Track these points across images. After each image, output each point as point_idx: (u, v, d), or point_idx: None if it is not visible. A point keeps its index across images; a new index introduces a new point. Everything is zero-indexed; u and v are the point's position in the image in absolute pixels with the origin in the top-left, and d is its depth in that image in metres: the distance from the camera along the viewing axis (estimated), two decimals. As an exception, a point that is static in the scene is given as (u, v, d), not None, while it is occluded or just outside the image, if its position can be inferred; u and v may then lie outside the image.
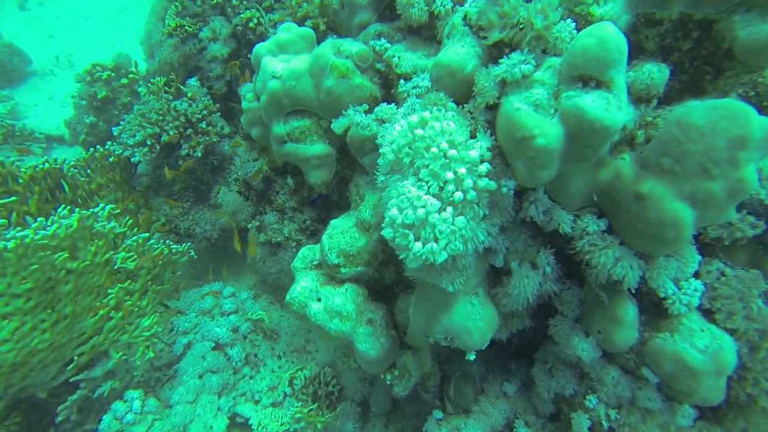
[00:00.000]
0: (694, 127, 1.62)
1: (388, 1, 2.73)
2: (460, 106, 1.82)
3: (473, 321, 2.04)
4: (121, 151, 3.82)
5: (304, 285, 2.50)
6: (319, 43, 2.96)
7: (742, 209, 1.91)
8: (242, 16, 3.89)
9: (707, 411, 2.14)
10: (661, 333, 2.00)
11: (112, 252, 3.08)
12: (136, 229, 3.57)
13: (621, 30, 1.73)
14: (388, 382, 2.57)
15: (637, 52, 1.89)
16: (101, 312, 3.11)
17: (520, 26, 1.63)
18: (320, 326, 2.42)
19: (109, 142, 3.88)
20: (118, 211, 3.63)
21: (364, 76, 2.48)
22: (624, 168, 1.82)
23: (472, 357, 2.18)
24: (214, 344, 3.99)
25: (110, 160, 3.87)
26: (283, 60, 2.56)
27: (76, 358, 3.00)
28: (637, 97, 1.79)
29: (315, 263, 2.64)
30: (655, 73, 1.74)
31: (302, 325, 4.27)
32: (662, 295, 1.96)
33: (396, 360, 2.57)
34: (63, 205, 3.12)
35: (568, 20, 1.64)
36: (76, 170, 3.86)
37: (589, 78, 1.54)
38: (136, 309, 3.34)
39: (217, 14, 4.18)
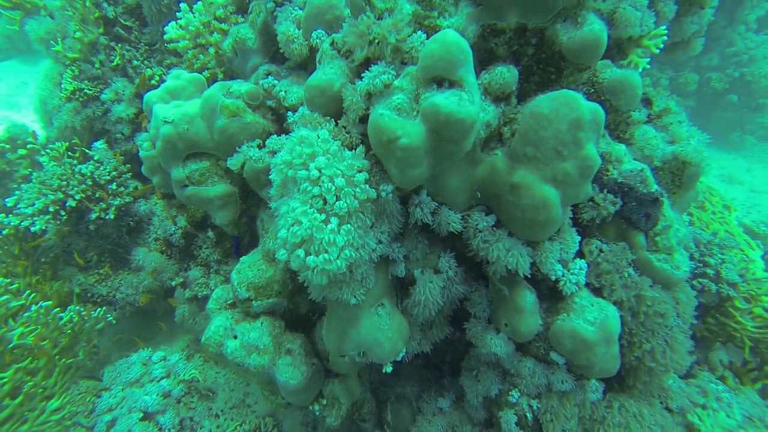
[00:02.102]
0: (543, 116, 1.80)
1: (277, 45, 2.86)
2: (336, 123, 1.92)
3: (382, 332, 2.05)
4: (17, 222, 3.60)
5: (218, 324, 2.42)
6: (213, 89, 3.03)
7: (603, 189, 2.11)
8: (144, 72, 3.91)
9: (614, 383, 2.25)
10: (560, 315, 2.11)
11: (4, 329, 2.82)
12: (42, 302, 3.32)
13: (470, 39, 1.95)
14: (318, 414, 2.48)
15: (492, 59, 2.10)
16: (-11, 402, 2.77)
17: (377, 42, 1.78)
18: (239, 364, 2.33)
19: (1, 215, 3.65)
20: (16, 285, 3.38)
21: (256, 113, 2.56)
22: (497, 162, 1.97)
23: (389, 369, 2.18)
24: (142, 414, 3.69)
25: (3, 233, 3.63)
26: (175, 105, 2.59)
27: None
28: (495, 96, 1.98)
29: (229, 302, 2.57)
30: (506, 73, 1.93)
31: (240, 378, 4.07)
32: (553, 278, 2.08)
33: (323, 389, 2.50)
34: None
35: (419, 32, 1.81)
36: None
37: (441, 79, 1.69)
38: (41, 390, 3.04)
39: (119, 75, 4.17)
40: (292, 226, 1.74)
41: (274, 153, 2.35)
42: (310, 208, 1.75)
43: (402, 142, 1.63)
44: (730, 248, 3.65)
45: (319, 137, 1.79)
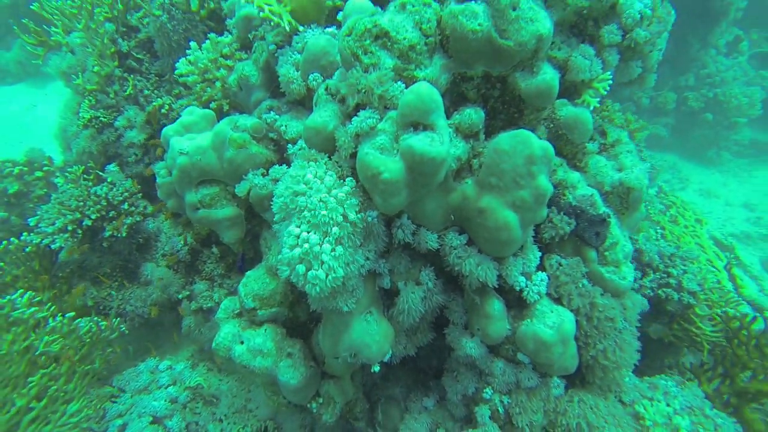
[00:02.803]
0: (503, 151, 2.15)
1: (278, 81, 3.23)
2: (329, 158, 2.26)
3: (370, 336, 2.37)
4: (39, 240, 3.92)
5: (227, 331, 2.73)
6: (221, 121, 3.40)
7: (560, 212, 2.45)
8: (154, 104, 4.26)
9: (576, 381, 2.57)
10: (524, 320, 2.43)
11: (33, 338, 3.12)
12: (60, 315, 3.62)
13: (443, 85, 2.30)
14: (314, 411, 2.79)
15: (464, 100, 2.45)
16: (19, 403, 3.06)
17: (364, 92, 2.13)
18: (245, 366, 2.64)
19: (24, 233, 3.97)
20: (39, 298, 3.68)
21: (260, 145, 2.90)
22: (468, 190, 2.31)
23: (377, 369, 2.49)
24: (151, 419, 3.97)
25: (27, 250, 3.94)
26: (189, 138, 2.93)
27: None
28: (465, 134, 2.33)
29: (236, 312, 2.88)
30: (473, 114, 2.29)
31: (241, 385, 4.35)
32: (518, 288, 2.41)
33: (319, 389, 2.81)
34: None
35: (399, 82, 2.16)
36: (-11, 265, 3.90)
37: (417, 123, 2.04)
38: (62, 394, 3.33)
39: (131, 104, 4.52)
40: (294, 247, 2.07)
41: (276, 180, 2.69)
42: (308, 232, 2.08)
43: (384, 177, 1.98)
44: (691, 260, 3.99)
45: (316, 171, 2.13)
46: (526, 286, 2.42)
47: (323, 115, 2.25)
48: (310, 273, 2.08)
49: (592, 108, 2.54)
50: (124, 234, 4.20)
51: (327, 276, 2.08)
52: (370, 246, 2.27)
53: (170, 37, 4.16)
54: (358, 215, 2.12)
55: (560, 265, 2.48)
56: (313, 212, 2.07)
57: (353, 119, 2.14)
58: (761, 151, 8.56)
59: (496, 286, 2.40)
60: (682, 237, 5.34)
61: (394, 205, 2.09)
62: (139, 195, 4.45)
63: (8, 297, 3.07)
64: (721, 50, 7.80)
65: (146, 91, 4.50)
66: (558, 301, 2.50)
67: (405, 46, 2.14)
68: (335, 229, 2.07)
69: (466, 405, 2.90)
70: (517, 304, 2.54)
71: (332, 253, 2.08)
